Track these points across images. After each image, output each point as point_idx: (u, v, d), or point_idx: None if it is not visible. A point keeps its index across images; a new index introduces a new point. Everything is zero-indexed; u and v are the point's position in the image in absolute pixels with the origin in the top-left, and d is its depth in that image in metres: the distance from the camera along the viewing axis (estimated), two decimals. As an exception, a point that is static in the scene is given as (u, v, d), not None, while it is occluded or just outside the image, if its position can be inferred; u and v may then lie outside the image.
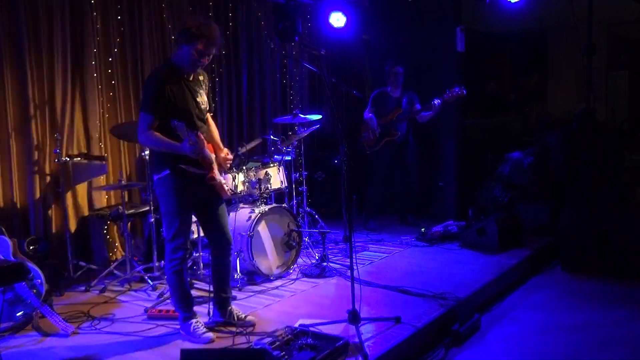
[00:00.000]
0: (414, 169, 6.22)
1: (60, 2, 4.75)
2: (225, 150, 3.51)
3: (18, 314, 3.59)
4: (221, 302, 3.58)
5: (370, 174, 6.18)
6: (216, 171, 3.34)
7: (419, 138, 6.29)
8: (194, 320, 3.41)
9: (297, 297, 4.13)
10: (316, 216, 5.60)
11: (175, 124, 3.07)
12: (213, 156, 3.38)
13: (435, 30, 6.40)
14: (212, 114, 3.63)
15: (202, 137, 3.23)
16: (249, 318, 3.57)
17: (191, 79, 3.35)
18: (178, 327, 3.53)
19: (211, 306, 3.63)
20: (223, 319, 3.55)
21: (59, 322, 3.56)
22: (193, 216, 3.53)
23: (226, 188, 3.44)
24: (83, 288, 4.44)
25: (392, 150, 6.07)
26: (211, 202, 3.45)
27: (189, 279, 3.53)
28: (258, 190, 4.69)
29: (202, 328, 3.38)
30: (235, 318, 3.53)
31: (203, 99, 3.41)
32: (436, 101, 5.68)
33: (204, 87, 3.45)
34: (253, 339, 3.30)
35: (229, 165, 3.53)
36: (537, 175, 6.09)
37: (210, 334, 3.36)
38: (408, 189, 6.26)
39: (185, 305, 3.42)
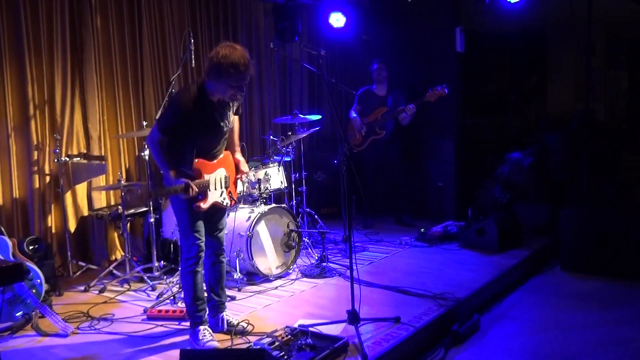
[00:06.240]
0: (399, 168, 6.21)
1: (60, 2, 4.75)
2: (242, 170, 3.48)
3: (17, 314, 3.59)
4: (213, 306, 3.53)
5: (359, 173, 6.13)
6: (206, 201, 3.27)
7: (408, 137, 6.30)
8: (202, 328, 3.34)
9: (296, 297, 4.13)
10: (315, 216, 5.60)
11: (174, 180, 3.12)
12: (211, 180, 3.31)
13: (435, 30, 6.40)
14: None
15: (202, 169, 3.24)
16: (242, 324, 3.47)
17: (213, 103, 3.22)
18: (177, 327, 3.55)
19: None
20: (214, 323, 3.50)
21: (59, 322, 3.56)
22: None
23: (224, 203, 3.40)
24: (82, 288, 4.44)
25: (378, 149, 6.09)
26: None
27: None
28: (258, 190, 4.69)
29: (208, 336, 3.31)
30: (226, 325, 3.46)
31: (229, 120, 3.35)
32: (410, 105, 5.74)
33: (232, 105, 3.34)
34: (252, 339, 3.30)
35: (239, 179, 3.51)
36: (536, 175, 6.09)
37: (215, 343, 3.28)
38: (396, 188, 6.26)
39: (197, 309, 3.35)
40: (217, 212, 3.44)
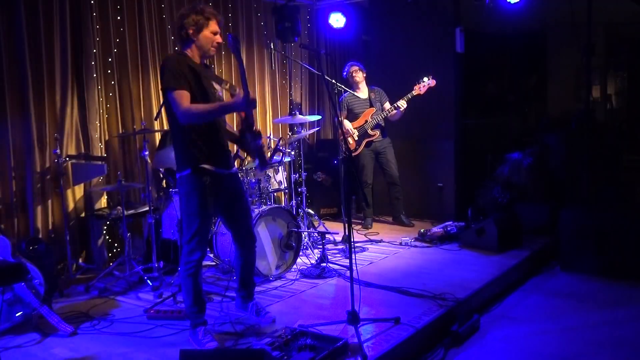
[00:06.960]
0: (394, 164, 6.20)
1: (59, 2, 4.75)
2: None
3: (17, 315, 3.58)
4: (244, 296, 3.63)
5: (357, 176, 6.19)
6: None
7: (398, 132, 6.31)
8: (203, 328, 3.33)
9: (296, 297, 4.13)
10: (315, 217, 5.60)
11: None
12: None
13: (435, 30, 6.40)
14: None
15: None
16: (269, 315, 3.60)
17: (200, 66, 3.29)
18: (177, 327, 3.54)
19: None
20: (244, 311, 3.62)
21: (58, 323, 3.56)
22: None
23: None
24: (82, 288, 4.44)
25: (371, 148, 6.09)
26: (233, 200, 3.42)
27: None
28: (257, 190, 4.69)
29: (208, 337, 3.31)
30: (255, 310, 3.60)
31: (217, 86, 3.40)
32: (399, 102, 5.76)
33: (213, 75, 3.40)
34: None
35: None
36: (536, 175, 6.09)
37: (215, 344, 3.28)
38: (393, 187, 6.24)
39: (197, 310, 3.33)
40: (237, 198, 3.44)
